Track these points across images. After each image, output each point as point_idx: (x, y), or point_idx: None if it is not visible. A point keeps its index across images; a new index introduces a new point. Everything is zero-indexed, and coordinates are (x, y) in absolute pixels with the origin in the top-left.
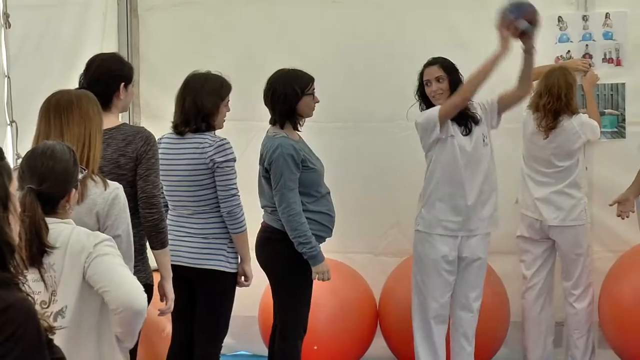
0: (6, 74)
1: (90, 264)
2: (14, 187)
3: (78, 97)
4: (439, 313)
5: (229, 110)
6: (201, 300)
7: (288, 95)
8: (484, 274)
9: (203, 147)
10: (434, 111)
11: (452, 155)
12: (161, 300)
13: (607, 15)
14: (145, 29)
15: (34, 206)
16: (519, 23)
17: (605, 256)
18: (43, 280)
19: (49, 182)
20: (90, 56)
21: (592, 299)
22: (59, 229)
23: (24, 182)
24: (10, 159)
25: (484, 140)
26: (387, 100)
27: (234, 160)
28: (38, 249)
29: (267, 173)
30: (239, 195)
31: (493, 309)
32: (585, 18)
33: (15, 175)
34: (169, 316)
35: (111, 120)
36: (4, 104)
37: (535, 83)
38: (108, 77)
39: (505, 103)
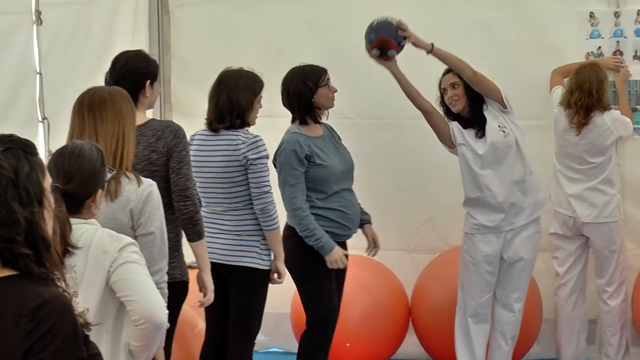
0: (38, 70)
1: (115, 270)
2: (47, 183)
3: (111, 94)
4: (478, 312)
5: (261, 106)
6: (234, 297)
7: (302, 91)
8: (528, 275)
9: (236, 144)
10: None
11: (465, 163)
12: (200, 291)
13: (638, 12)
14: (176, 25)
15: (59, 205)
16: (371, 53)
17: (638, 253)
18: (64, 281)
19: (75, 181)
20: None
21: (626, 296)
22: (81, 229)
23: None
24: (42, 156)
25: (503, 132)
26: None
27: (266, 157)
28: (61, 248)
29: None
30: (271, 193)
31: (526, 306)
32: (616, 14)
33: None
34: (202, 313)
35: (139, 117)
36: (35, 101)
37: (566, 80)
38: (134, 74)
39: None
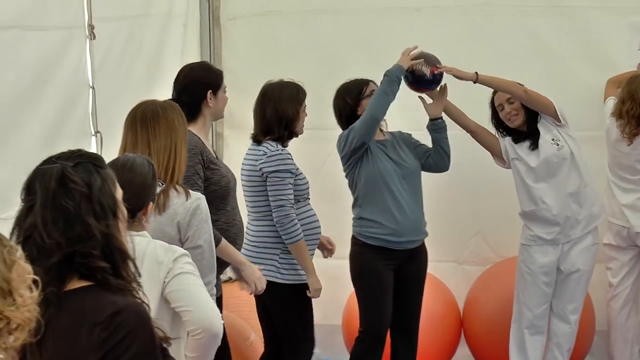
0: (91, 84)
1: (170, 281)
2: (119, 194)
3: (163, 108)
4: (533, 323)
5: (306, 115)
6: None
7: (342, 109)
8: (585, 287)
9: (258, 156)
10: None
11: (519, 177)
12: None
13: None
14: (227, 38)
15: None
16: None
17: None
18: (142, 291)
19: (127, 194)
20: (172, 66)
21: None
22: (134, 241)
23: None
24: None
25: (557, 145)
26: (471, 108)
27: (285, 171)
28: None
29: None
30: (288, 206)
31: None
32: None
33: None
34: (254, 325)
35: (203, 128)
36: (88, 115)
37: (617, 90)
38: (194, 85)
39: None
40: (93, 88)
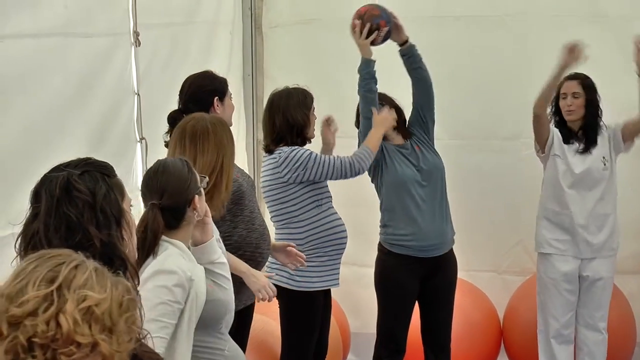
0: (136, 91)
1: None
2: (127, 203)
3: (213, 125)
4: (561, 332)
5: (316, 118)
6: None
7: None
8: (610, 293)
9: (274, 162)
10: None
11: (554, 175)
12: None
13: None
14: (269, 46)
15: (156, 221)
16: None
17: None
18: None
19: (167, 193)
20: (218, 73)
21: None
22: (162, 247)
23: (146, 201)
24: (140, 176)
25: (604, 164)
26: (509, 118)
27: (309, 154)
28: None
29: None
30: (339, 162)
31: (619, 329)
32: None
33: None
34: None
35: None
36: (133, 121)
37: None
38: (201, 93)
39: (629, 131)
40: (138, 94)
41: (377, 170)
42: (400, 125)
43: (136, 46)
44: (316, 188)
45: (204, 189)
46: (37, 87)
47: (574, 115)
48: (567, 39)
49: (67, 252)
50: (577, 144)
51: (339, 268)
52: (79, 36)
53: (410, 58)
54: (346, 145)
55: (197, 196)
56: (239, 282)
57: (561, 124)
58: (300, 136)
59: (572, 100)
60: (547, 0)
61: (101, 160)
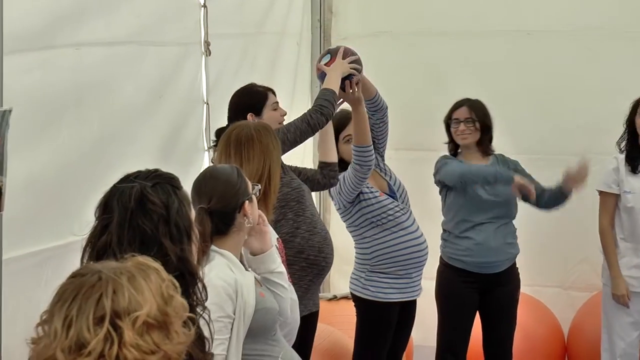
0: (205, 100)
1: None
2: (193, 216)
3: (258, 131)
4: (627, 352)
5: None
6: None
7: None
8: None
9: None
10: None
11: (628, 210)
12: None
13: None
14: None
15: (205, 225)
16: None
17: None
18: (205, 319)
19: (216, 197)
20: (286, 84)
21: None
22: (210, 256)
23: (195, 206)
24: None
25: None
26: (579, 134)
27: None
28: None
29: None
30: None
31: None
32: None
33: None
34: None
35: None
36: (202, 130)
37: None
38: (235, 110)
39: None
40: (207, 104)
41: (443, 188)
42: (482, 142)
43: (207, 56)
44: (371, 210)
45: (256, 196)
46: (110, 95)
47: None
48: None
49: (93, 270)
50: None
51: (417, 281)
52: (151, 45)
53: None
54: (422, 158)
55: (247, 202)
56: (304, 288)
57: (633, 155)
58: None
59: None
60: (621, 16)
61: (167, 172)
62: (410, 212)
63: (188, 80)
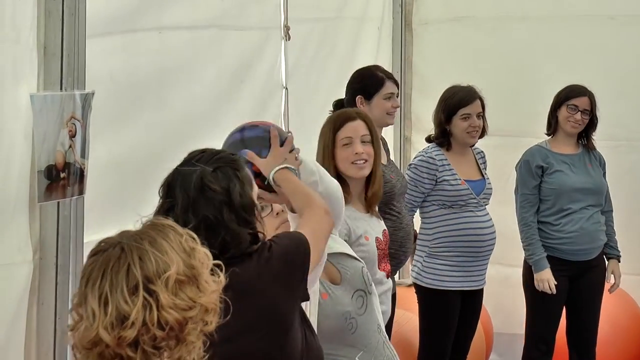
0: (284, 85)
1: None
2: (255, 193)
3: (360, 115)
4: None
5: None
6: None
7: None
8: None
9: None
10: None
11: None
12: None
13: None
14: (418, 43)
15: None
16: None
17: None
18: None
19: None
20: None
21: None
22: None
23: None
24: None
25: None
26: None
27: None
28: None
29: None
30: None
31: None
32: None
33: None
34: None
35: None
36: (281, 115)
37: None
38: (349, 89)
39: None
40: (286, 89)
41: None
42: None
43: (286, 40)
44: (445, 195)
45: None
46: (192, 79)
47: None
48: None
49: (113, 243)
50: None
51: (481, 270)
52: (232, 29)
53: None
54: (511, 144)
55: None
56: None
57: None
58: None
59: None
60: None
61: (229, 153)
62: (485, 206)
63: (268, 65)
